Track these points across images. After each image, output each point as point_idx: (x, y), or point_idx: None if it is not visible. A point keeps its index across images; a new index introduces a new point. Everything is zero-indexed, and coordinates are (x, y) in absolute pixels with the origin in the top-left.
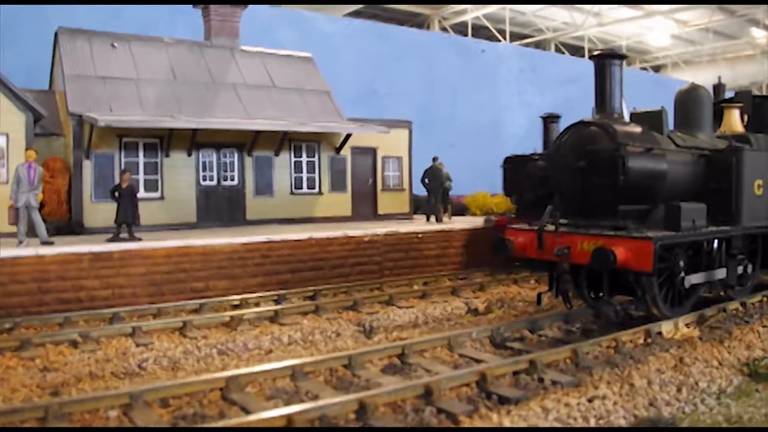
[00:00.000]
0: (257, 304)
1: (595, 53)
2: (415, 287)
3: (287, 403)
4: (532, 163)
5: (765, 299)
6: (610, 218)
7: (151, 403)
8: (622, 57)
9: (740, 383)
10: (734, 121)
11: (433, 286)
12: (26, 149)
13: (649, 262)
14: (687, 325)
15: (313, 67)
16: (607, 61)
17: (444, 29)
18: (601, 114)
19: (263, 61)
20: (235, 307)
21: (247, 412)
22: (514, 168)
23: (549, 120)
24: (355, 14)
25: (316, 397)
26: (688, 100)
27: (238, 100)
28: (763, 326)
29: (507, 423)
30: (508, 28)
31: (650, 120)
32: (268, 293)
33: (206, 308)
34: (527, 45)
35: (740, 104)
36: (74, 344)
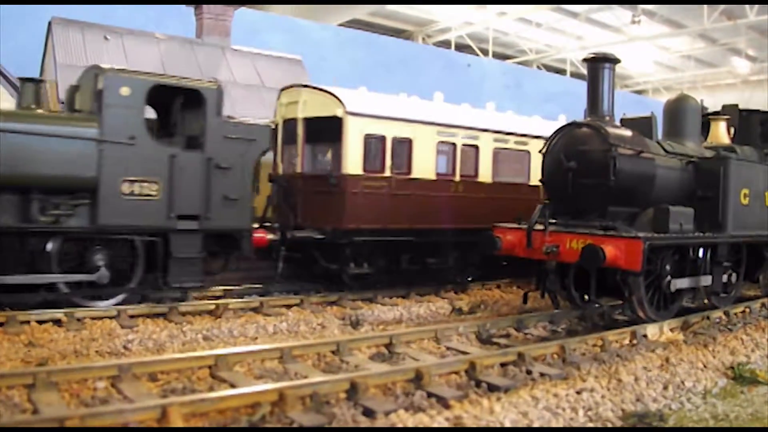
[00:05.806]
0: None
1: (589, 56)
2: None
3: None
4: None
5: (748, 310)
6: (599, 219)
7: (139, 376)
8: (614, 61)
9: (725, 385)
10: (721, 133)
11: None
12: None
13: (638, 261)
14: (671, 330)
15: (302, 69)
16: (599, 64)
17: None
18: (592, 116)
19: (253, 60)
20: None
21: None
22: None
23: None
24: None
25: (305, 378)
26: (677, 109)
27: (228, 98)
28: (747, 334)
29: (498, 409)
30: (491, 48)
31: (640, 126)
32: None
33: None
34: None
35: (727, 117)
36: (59, 323)
